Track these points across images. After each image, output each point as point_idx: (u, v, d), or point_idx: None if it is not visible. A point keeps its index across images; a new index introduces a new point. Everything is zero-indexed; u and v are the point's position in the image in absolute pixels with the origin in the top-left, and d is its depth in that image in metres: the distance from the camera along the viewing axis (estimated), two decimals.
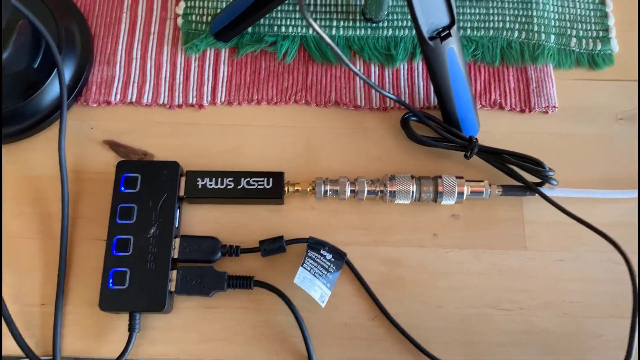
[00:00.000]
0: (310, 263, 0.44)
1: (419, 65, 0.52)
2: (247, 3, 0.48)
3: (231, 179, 0.47)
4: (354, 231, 0.47)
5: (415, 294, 0.45)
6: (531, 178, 0.47)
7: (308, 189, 0.47)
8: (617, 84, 0.52)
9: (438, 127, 0.48)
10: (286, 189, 0.47)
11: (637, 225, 0.47)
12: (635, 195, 0.47)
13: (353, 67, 0.43)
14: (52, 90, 0.48)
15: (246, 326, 0.44)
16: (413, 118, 0.48)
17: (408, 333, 0.44)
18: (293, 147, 0.49)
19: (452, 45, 0.44)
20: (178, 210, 0.46)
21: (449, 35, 0.43)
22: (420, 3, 0.42)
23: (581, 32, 0.53)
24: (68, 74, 0.49)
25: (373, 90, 0.51)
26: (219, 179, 0.47)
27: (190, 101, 0.50)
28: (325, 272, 0.44)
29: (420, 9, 0.42)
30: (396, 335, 0.44)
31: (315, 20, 0.52)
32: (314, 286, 0.43)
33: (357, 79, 0.51)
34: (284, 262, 0.46)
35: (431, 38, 0.43)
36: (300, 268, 0.43)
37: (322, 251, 0.45)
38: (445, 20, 0.43)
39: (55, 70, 0.47)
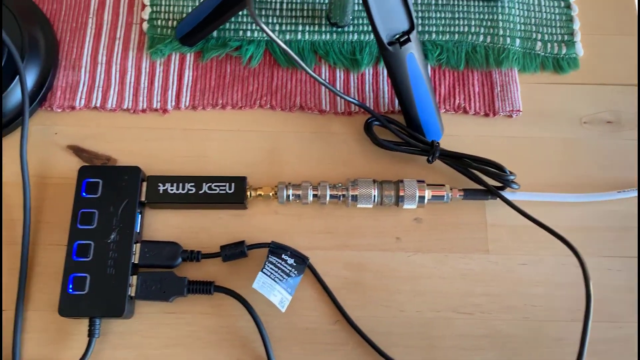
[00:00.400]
0: (271, 268, 0.44)
1: (384, 70, 0.52)
2: (211, 7, 0.48)
3: (192, 184, 0.47)
4: (317, 235, 0.47)
5: (378, 298, 0.45)
6: (493, 182, 0.47)
7: (271, 194, 0.47)
8: (582, 87, 0.52)
9: (400, 131, 0.48)
10: (248, 193, 0.46)
11: (600, 229, 0.47)
12: (597, 198, 0.47)
13: (308, 70, 0.43)
14: (14, 95, 0.48)
15: (207, 331, 0.44)
16: (376, 123, 0.48)
17: (369, 337, 0.44)
18: (257, 152, 0.49)
19: (412, 51, 0.44)
20: (139, 216, 0.46)
21: (408, 40, 0.43)
22: (378, 8, 0.42)
23: (546, 36, 0.53)
24: (32, 78, 0.49)
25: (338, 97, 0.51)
26: (180, 184, 0.47)
27: (155, 106, 0.50)
28: (286, 277, 0.44)
29: (378, 14, 0.42)
30: (357, 340, 0.44)
31: (280, 24, 0.52)
32: (273, 291, 0.43)
33: None
34: (246, 267, 0.46)
35: (390, 43, 0.43)
36: (260, 273, 0.43)
37: (283, 256, 0.45)
38: (404, 25, 0.44)
39: (18, 75, 0.47)
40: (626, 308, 0.45)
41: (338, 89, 0.51)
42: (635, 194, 0.47)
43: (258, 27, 0.52)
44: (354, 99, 0.48)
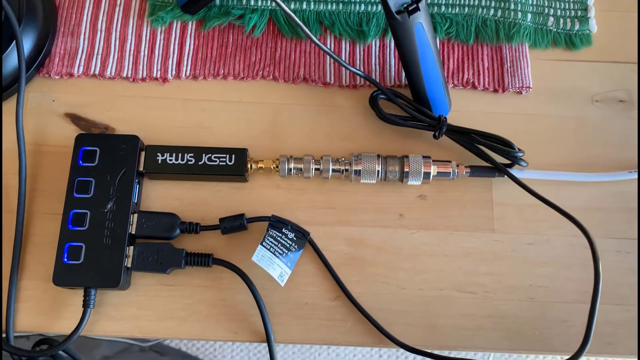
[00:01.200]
0: (270, 241, 0.43)
1: (391, 42, 0.50)
2: None
3: (192, 154, 0.45)
4: (318, 210, 0.46)
5: (379, 275, 0.44)
6: (501, 159, 0.45)
7: (272, 167, 0.45)
8: (594, 65, 0.50)
9: (407, 105, 0.46)
10: (249, 166, 0.45)
11: (610, 210, 0.46)
12: (608, 178, 0.46)
13: (317, 41, 0.41)
14: (10, 61, 0.47)
15: (204, 305, 0.43)
16: (382, 96, 0.47)
17: (369, 314, 0.43)
18: (259, 124, 0.48)
19: (421, 20, 0.42)
20: (137, 186, 0.45)
21: (417, 9, 0.42)
22: None
23: (559, 11, 0.51)
24: (29, 44, 0.48)
25: (343, 67, 0.49)
26: (180, 154, 0.45)
27: (155, 75, 0.49)
28: (286, 251, 0.43)
29: None
30: (357, 317, 0.43)
31: None
32: (273, 265, 0.42)
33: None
34: (246, 241, 0.45)
35: (398, 12, 0.42)
36: (260, 246, 0.42)
37: (284, 230, 0.44)
38: None
39: (15, 40, 0.46)
40: (634, 291, 0.44)
41: (343, 60, 0.49)
42: None
43: None
44: (360, 70, 0.47)
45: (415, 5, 0.42)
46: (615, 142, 0.48)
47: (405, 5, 0.42)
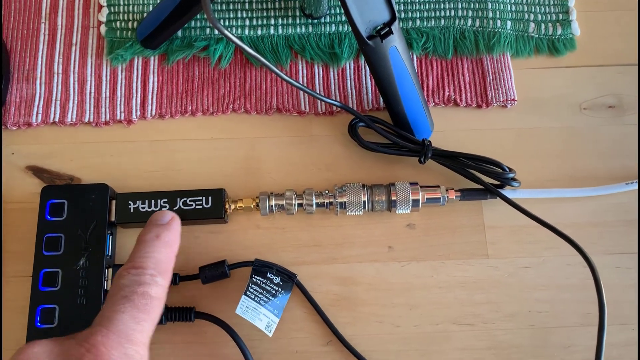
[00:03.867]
0: (255, 290, 0.40)
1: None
2: (172, 6, 0.44)
3: (166, 199, 0.43)
4: (303, 249, 0.44)
5: (371, 314, 0.42)
6: (491, 180, 0.43)
7: (252, 205, 0.43)
8: (580, 70, 0.48)
9: (388, 132, 0.44)
10: (228, 206, 0.43)
11: (607, 224, 0.44)
12: (605, 192, 0.44)
13: (281, 74, 0.39)
14: None
15: None
16: (361, 124, 0.44)
17: (365, 358, 0.41)
18: (233, 161, 0.46)
19: (395, 44, 0.40)
20: (110, 237, 0.42)
21: (389, 32, 0.39)
22: None
23: (540, 16, 0.49)
24: None
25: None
26: (153, 201, 0.43)
27: (118, 117, 0.46)
28: (273, 298, 0.41)
29: (354, 5, 0.38)
30: None
31: (251, 19, 0.48)
32: (259, 315, 0.40)
33: (301, 81, 0.47)
34: (228, 288, 0.42)
35: (370, 37, 0.39)
36: (243, 296, 0.40)
37: (268, 274, 0.41)
38: (385, 15, 0.40)
39: None
40: (638, 308, 0.42)
41: (317, 86, 0.47)
42: None
43: (226, 24, 0.48)
44: (334, 100, 0.44)
45: (388, 29, 0.39)
46: (607, 151, 0.46)
47: (377, 29, 0.39)
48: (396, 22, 0.39)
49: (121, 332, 0.29)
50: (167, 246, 0.34)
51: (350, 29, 0.47)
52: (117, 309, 0.29)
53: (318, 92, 0.47)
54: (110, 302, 0.30)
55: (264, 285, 0.41)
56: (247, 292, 0.40)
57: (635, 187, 0.44)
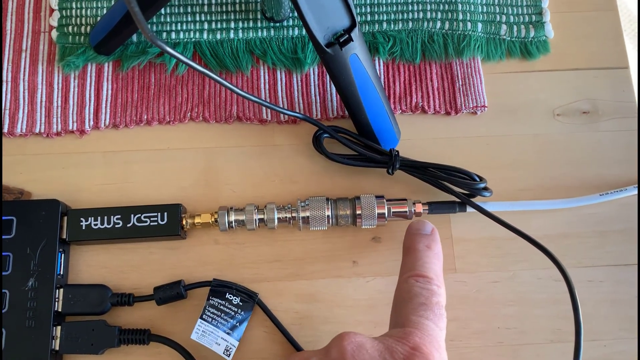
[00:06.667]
0: (212, 312, 0.39)
1: None
2: (125, 8, 0.41)
3: (119, 216, 0.41)
4: (264, 265, 0.42)
5: (334, 332, 0.40)
6: (460, 191, 0.41)
7: (210, 221, 0.41)
8: (553, 74, 0.46)
9: (354, 142, 0.42)
10: (184, 222, 0.41)
11: (578, 236, 0.43)
12: (578, 204, 0.42)
13: (227, 84, 0.36)
14: None
15: None
16: (326, 135, 0.42)
17: None
18: (191, 172, 0.44)
19: (355, 51, 0.38)
20: (61, 256, 0.40)
21: (349, 39, 0.37)
22: (309, 3, 0.36)
23: (512, 17, 0.47)
24: None
25: (280, 102, 0.45)
26: (105, 217, 0.41)
27: (71, 127, 0.44)
28: (231, 320, 0.39)
29: (310, 11, 0.36)
30: None
31: (210, 22, 0.46)
32: (216, 340, 0.38)
33: (262, 88, 0.45)
34: (186, 308, 0.41)
35: (328, 45, 0.37)
36: (199, 321, 0.38)
37: (227, 295, 0.40)
38: (344, 21, 0.38)
39: None
40: (610, 324, 0.41)
41: (280, 93, 0.45)
42: (621, 195, 0.42)
43: (183, 27, 0.46)
44: (296, 112, 0.42)
45: (347, 36, 0.37)
46: (581, 160, 0.44)
47: (336, 36, 0.37)
48: (356, 29, 0.37)
49: (433, 338, 0.30)
50: (438, 258, 0.36)
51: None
52: (422, 314, 0.31)
53: (281, 99, 0.45)
54: (410, 307, 0.32)
55: (222, 307, 0.39)
56: (204, 316, 0.39)
57: (611, 197, 0.42)
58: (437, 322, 0.31)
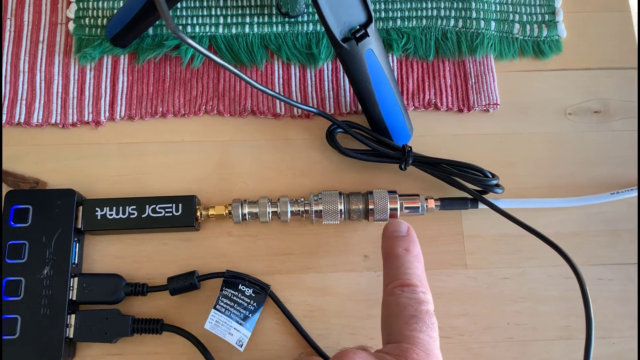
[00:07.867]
0: (225, 303, 0.39)
1: None
2: (142, 2, 0.42)
3: (134, 206, 0.41)
4: (276, 258, 0.42)
5: (345, 326, 0.41)
6: (473, 187, 0.42)
7: (224, 213, 0.42)
8: (565, 74, 0.47)
9: (367, 138, 0.42)
10: (199, 214, 0.41)
11: (589, 234, 0.43)
12: (589, 202, 0.43)
13: (245, 77, 0.37)
14: None
15: None
16: (339, 130, 0.43)
17: None
18: (205, 165, 0.44)
19: (371, 46, 0.38)
20: (76, 245, 0.41)
21: (365, 35, 0.37)
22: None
23: (525, 17, 0.47)
24: None
25: (294, 97, 0.45)
26: (121, 208, 0.41)
27: (86, 118, 0.44)
28: (244, 311, 0.39)
29: (327, 6, 0.36)
30: None
31: (225, 17, 0.46)
32: (229, 330, 0.38)
33: (276, 82, 0.45)
34: (199, 299, 0.41)
35: (345, 40, 0.38)
36: (212, 311, 0.39)
37: (240, 286, 0.40)
38: (360, 17, 0.38)
39: None
40: (619, 321, 0.41)
41: (294, 88, 0.45)
42: (633, 194, 0.42)
43: (199, 22, 0.46)
44: (310, 106, 0.43)
45: (364, 31, 0.37)
46: (592, 159, 0.45)
47: (352, 31, 0.38)
48: (372, 24, 0.38)
49: (430, 352, 0.30)
50: (419, 261, 0.35)
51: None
52: (414, 327, 0.31)
53: (295, 94, 0.45)
54: (402, 321, 0.31)
55: (235, 298, 0.39)
56: (217, 306, 0.39)
57: (622, 197, 0.42)
58: (430, 333, 0.31)
